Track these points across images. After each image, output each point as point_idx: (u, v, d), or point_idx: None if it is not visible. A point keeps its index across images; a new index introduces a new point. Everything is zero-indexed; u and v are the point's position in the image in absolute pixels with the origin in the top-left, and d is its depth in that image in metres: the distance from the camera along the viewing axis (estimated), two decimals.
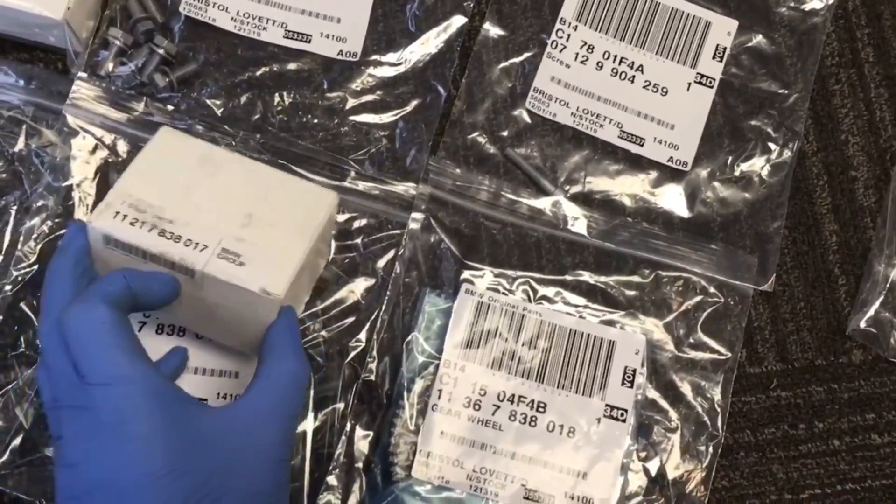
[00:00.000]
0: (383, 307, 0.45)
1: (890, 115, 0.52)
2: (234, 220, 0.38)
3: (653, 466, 0.45)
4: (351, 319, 0.45)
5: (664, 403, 0.46)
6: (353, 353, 0.45)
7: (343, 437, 0.43)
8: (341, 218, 0.46)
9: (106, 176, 0.45)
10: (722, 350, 0.47)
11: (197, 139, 0.42)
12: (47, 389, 0.35)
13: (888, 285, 0.48)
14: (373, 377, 0.44)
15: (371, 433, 0.44)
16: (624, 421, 0.44)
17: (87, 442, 0.33)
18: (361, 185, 0.46)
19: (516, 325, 0.45)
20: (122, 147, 0.45)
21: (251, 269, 0.38)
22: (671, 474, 0.45)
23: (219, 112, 0.47)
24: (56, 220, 0.44)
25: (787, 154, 0.50)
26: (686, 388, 0.46)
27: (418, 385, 0.44)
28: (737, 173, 0.50)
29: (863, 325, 0.48)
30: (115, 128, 0.45)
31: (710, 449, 0.46)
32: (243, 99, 0.47)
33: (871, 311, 0.48)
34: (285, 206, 0.40)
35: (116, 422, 0.33)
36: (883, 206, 0.50)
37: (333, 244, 0.46)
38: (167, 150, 0.40)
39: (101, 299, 0.35)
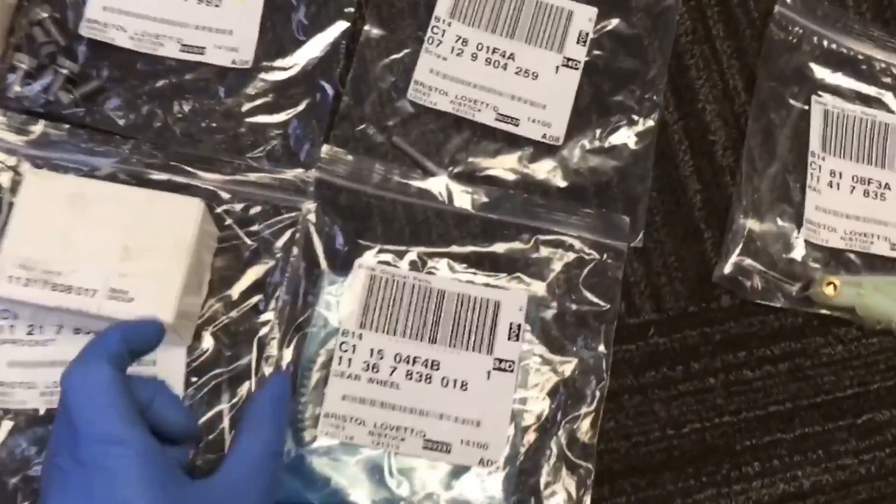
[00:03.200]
0: (283, 289, 0.49)
1: (742, 83, 0.57)
2: (114, 255, 0.44)
3: (544, 412, 0.49)
4: (256, 299, 0.49)
5: (552, 356, 0.50)
6: (261, 331, 0.49)
7: None
8: (238, 207, 0.50)
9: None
10: (602, 303, 0.51)
11: (62, 175, 0.47)
12: (48, 448, 0.36)
13: (747, 234, 0.53)
14: (275, 352, 0.48)
15: None
16: (512, 372, 0.49)
17: (74, 500, 0.33)
18: (254, 176, 0.50)
19: (408, 293, 0.49)
20: (25, 167, 0.49)
21: (139, 303, 0.43)
22: (562, 418, 0.49)
23: (122, 123, 0.51)
24: None
25: (650, 124, 0.55)
26: (572, 341, 0.50)
27: (322, 357, 0.48)
28: (605, 144, 0.54)
29: (727, 271, 0.53)
30: (15, 150, 0.49)
31: (598, 393, 0.50)
32: (145, 110, 0.51)
33: (734, 259, 0.53)
34: (157, 226, 0.45)
35: (107, 482, 0.33)
36: (739, 164, 0.55)
37: (240, 231, 0.50)
38: (37, 197, 0.45)
39: (102, 359, 0.36)
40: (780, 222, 0.54)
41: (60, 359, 0.46)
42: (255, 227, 0.50)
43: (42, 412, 0.46)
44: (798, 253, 0.54)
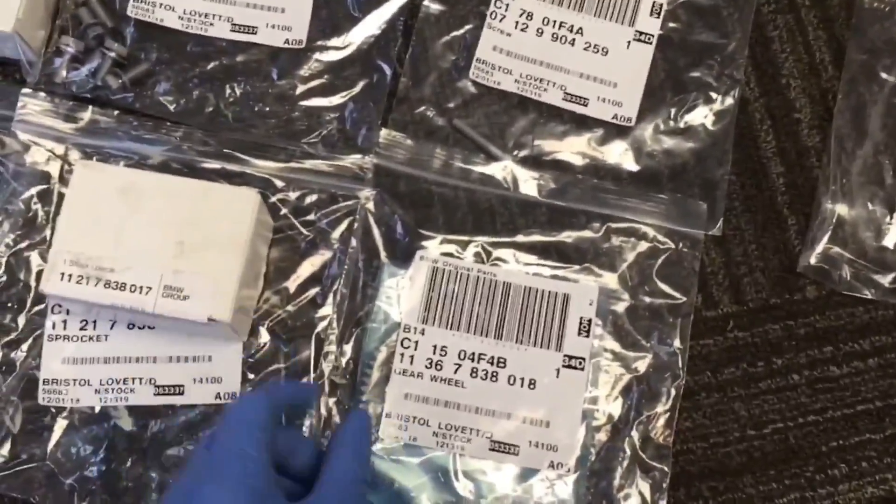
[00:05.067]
0: (341, 281, 0.47)
1: (829, 56, 0.53)
2: (168, 251, 0.42)
3: (616, 411, 0.46)
4: (313, 292, 0.47)
5: (625, 352, 0.47)
6: (319, 326, 0.47)
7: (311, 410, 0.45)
8: (293, 195, 0.47)
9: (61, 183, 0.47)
10: (677, 295, 0.48)
11: (113, 167, 0.45)
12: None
13: (835, 220, 0.50)
14: (334, 347, 0.46)
15: (337, 400, 0.45)
16: (582, 370, 0.46)
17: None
18: (309, 163, 0.48)
19: (472, 286, 0.47)
20: (74, 156, 0.47)
21: (195, 301, 0.42)
22: (635, 418, 0.46)
23: (172, 108, 0.49)
24: (20, 231, 0.46)
25: (729, 102, 0.51)
26: (645, 336, 0.48)
27: (383, 353, 0.46)
28: (681, 125, 0.51)
29: (813, 261, 0.49)
30: (64, 138, 0.47)
31: (673, 391, 0.47)
32: (195, 94, 0.49)
33: (821, 247, 0.49)
34: (212, 220, 0.43)
35: (221, 480, 0.34)
36: (827, 144, 0.51)
37: (296, 221, 0.48)
38: (88, 190, 0.43)
39: (267, 401, 0.37)
40: (870, 207, 0.50)
41: (114, 354, 0.45)
42: (311, 217, 0.48)
43: (97, 410, 0.45)
44: (890, 240, 0.50)
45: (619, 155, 0.50)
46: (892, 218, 0.50)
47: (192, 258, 0.42)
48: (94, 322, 0.45)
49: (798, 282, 0.50)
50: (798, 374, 0.49)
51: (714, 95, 0.51)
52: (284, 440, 0.39)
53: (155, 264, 0.42)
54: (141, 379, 0.45)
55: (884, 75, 0.52)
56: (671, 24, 0.52)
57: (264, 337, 0.46)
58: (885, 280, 0.49)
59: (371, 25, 0.51)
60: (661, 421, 0.47)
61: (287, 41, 0.50)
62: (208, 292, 0.41)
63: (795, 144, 0.52)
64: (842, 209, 0.50)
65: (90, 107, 0.48)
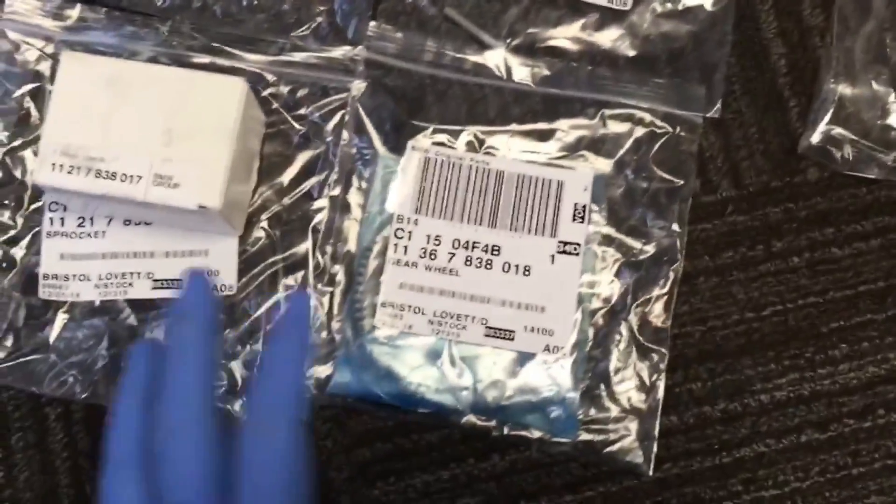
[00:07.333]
0: (335, 174, 0.47)
1: None
2: (157, 140, 0.42)
3: (613, 296, 0.46)
4: (308, 185, 0.47)
5: (621, 236, 0.47)
6: (315, 219, 0.47)
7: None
8: (284, 89, 0.47)
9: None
10: (675, 179, 0.48)
11: (99, 57, 0.45)
12: None
13: (838, 100, 0.48)
14: (330, 239, 0.46)
15: (333, 292, 0.46)
16: (577, 255, 0.46)
17: None
18: (299, 56, 0.47)
19: (465, 175, 0.46)
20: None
21: (185, 189, 0.42)
22: (632, 302, 0.46)
23: (159, 3, 0.48)
24: (14, 130, 0.47)
25: None
26: (643, 221, 0.47)
27: (378, 244, 0.46)
28: (679, 7, 0.50)
29: (815, 141, 0.48)
30: (52, 36, 0.47)
31: (671, 275, 0.47)
32: None
33: (823, 127, 0.48)
34: (200, 108, 0.43)
35: None
36: (830, 23, 0.50)
37: (288, 115, 0.47)
38: (75, 80, 0.43)
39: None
40: (874, 86, 0.49)
41: (112, 250, 0.45)
42: (303, 111, 0.48)
43: (97, 304, 0.45)
44: (895, 119, 0.49)
45: (615, 40, 0.49)
46: (895, 96, 0.49)
47: (180, 146, 0.42)
48: (91, 219, 0.45)
49: (799, 164, 0.49)
50: (798, 257, 0.48)
51: None
52: None
53: (144, 153, 0.42)
54: (139, 273, 0.45)
55: None
56: None
57: (259, 231, 0.46)
58: (889, 159, 0.48)
59: None
60: (659, 304, 0.46)
61: None
62: (198, 180, 0.41)
63: (798, 25, 0.50)
64: (845, 89, 0.49)
65: (78, 4, 0.47)
